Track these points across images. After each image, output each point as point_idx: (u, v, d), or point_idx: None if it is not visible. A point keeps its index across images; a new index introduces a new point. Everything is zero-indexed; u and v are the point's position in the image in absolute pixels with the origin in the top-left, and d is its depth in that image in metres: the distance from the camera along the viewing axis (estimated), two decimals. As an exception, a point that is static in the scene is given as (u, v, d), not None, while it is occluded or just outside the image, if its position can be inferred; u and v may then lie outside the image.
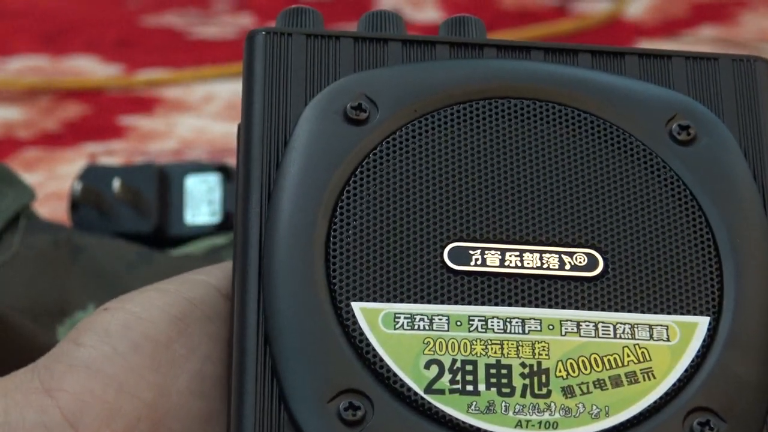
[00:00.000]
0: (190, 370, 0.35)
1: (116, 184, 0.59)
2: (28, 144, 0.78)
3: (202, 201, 0.61)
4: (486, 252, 0.33)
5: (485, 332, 0.32)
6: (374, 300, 0.33)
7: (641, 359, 0.32)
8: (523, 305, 0.33)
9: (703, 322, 0.33)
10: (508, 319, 0.33)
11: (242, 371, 0.33)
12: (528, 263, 0.33)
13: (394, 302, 0.33)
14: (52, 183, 0.72)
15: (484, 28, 0.37)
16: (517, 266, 0.33)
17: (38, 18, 1.02)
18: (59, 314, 0.52)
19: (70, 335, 0.37)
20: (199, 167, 0.63)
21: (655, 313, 0.33)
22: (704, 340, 0.33)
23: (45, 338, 0.50)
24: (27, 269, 0.53)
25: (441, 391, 0.32)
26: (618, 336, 0.33)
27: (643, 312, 0.33)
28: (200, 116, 0.83)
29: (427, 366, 0.32)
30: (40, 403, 0.35)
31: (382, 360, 0.32)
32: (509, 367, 0.32)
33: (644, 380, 0.32)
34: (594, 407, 0.32)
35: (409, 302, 0.33)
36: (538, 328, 0.33)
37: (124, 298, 0.37)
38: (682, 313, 0.33)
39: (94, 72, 0.91)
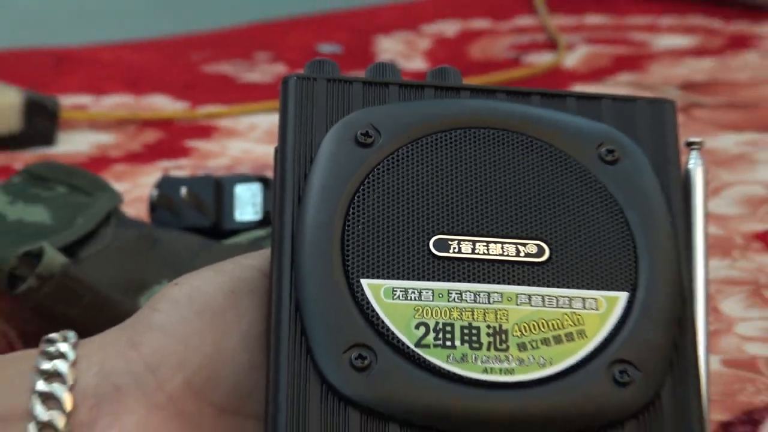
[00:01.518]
0: (239, 331, 0.35)
1: (183, 191, 0.59)
2: (118, 161, 0.78)
3: (247, 203, 0.61)
4: (461, 243, 0.33)
5: (460, 302, 0.33)
6: (378, 277, 0.33)
7: (576, 323, 0.33)
8: (489, 282, 0.33)
9: (623, 296, 0.33)
10: (477, 293, 0.33)
11: (278, 331, 0.33)
12: (492, 251, 0.33)
13: (393, 279, 0.33)
14: (135, 191, 0.72)
15: (460, 76, 0.37)
16: (484, 254, 0.33)
17: (124, 67, 1.03)
18: (140, 288, 0.52)
19: (148, 303, 0.37)
20: (246, 178, 0.63)
21: (588, 289, 0.33)
22: (624, 310, 0.33)
23: (130, 306, 0.49)
24: (117, 255, 0.53)
25: (427, 346, 0.32)
26: (559, 306, 0.33)
27: (578, 288, 0.33)
28: (246, 140, 0.83)
29: (417, 327, 0.32)
30: (127, 356, 0.35)
31: (383, 322, 0.32)
32: (478, 329, 0.32)
33: (579, 339, 0.32)
34: (541, 358, 0.32)
35: (404, 279, 0.33)
36: (500, 300, 0.33)
37: (189, 275, 0.37)
38: (607, 289, 0.33)
39: (166, 107, 0.91)
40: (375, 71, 0.37)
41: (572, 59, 0.98)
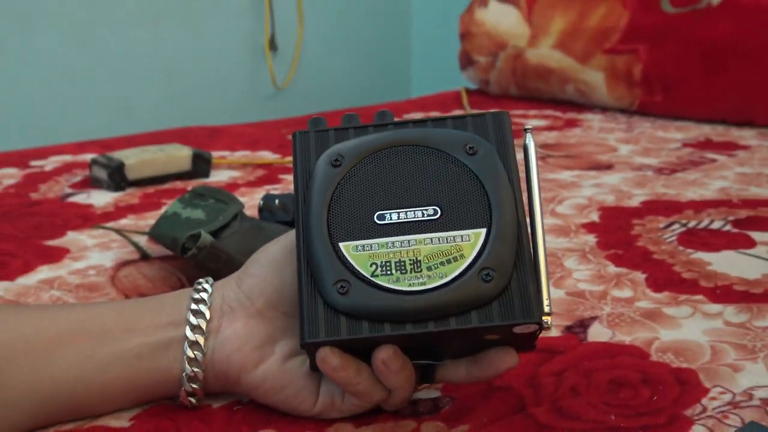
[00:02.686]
0: (290, 272, 0.36)
1: (277, 201, 0.61)
2: (242, 186, 0.80)
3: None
4: (391, 213, 0.34)
5: (393, 248, 0.33)
6: (347, 240, 0.33)
7: (459, 251, 0.33)
8: (408, 234, 0.33)
9: (483, 231, 0.33)
10: (402, 241, 0.33)
11: (300, 272, 0.33)
12: (409, 216, 0.33)
13: (356, 240, 0.33)
14: (251, 202, 0.73)
15: (392, 115, 0.36)
16: (404, 218, 0.33)
17: (247, 136, 1.04)
18: (252, 254, 0.52)
19: (248, 261, 0.37)
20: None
21: (463, 229, 0.33)
22: (484, 238, 0.33)
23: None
24: (240, 236, 0.54)
25: (377, 276, 0.32)
26: (447, 241, 0.33)
27: (458, 230, 0.33)
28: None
29: (371, 266, 0.33)
30: (235, 290, 0.36)
31: (353, 266, 0.33)
32: (404, 262, 0.33)
33: (460, 260, 0.32)
34: (440, 274, 0.32)
35: (362, 240, 0.33)
36: (415, 243, 0.33)
37: (269, 243, 0.37)
38: (474, 228, 0.33)
39: (268, 157, 0.93)
40: (346, 118, 0.36)
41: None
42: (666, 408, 0.36)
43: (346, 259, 0.33)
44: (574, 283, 0.53)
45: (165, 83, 1.69)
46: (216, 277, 0.39)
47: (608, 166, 0.86)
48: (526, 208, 0.35)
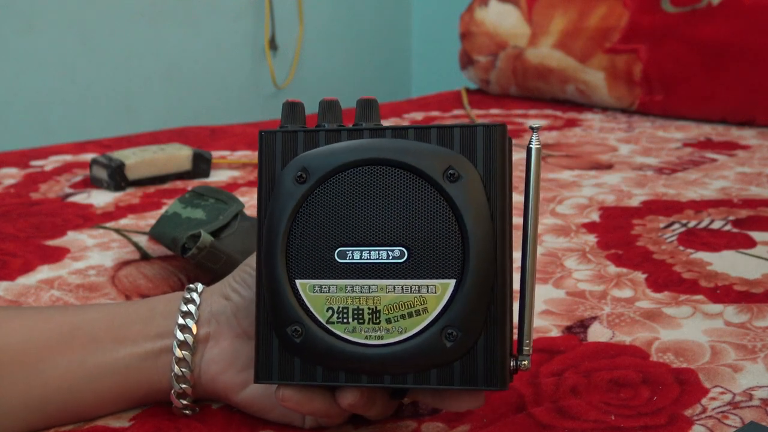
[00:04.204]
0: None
1: None
2: (243, 185, 0.79)
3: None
4: (353, 252, 0.30)
5: (352, 293, 0.30)
6: (305, 277, 0.31)
7: (422, 303, 0.30)
8: (369, 278, 0.30)
9: (452, 282, 0.30)
10: (362, 286, 0.30)
11: (258, 308, 0.31)
12: (372, 256, 0.30)
13: (313, 279, 0.31)
14: (251, 201, 0.72)
15: (377, 105, 0.32)
16: (367, 258, 0.30)
17: (247, 136, 1.03)
18: (251, 254, 0.53)
19: (234, 272, 0.36)
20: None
21: (430, 278, 0.30)
22: (453, 291, 0.29)
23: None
24: (240, 236, 0.54)
25: (333, 322, 0.30)
26: (412, 292, 0.30)
27: (424, 278, 0.30)
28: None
29: (327, 311, 0.31)
30: (223, 305, 0.35)
31: (308, 308, 0.31)
32: (363, 310, 0.30)
33: (423, 314, 0.30)
34: (400, 328, 0.30)
35: (320, 279, 0.31)
36: (376, 290, 0.30)
37: (252, 256, 0.34)
38: (443, 278, 0.30)
39: None
40: (324, 106, 0.32)
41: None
42: (666, 408, 0.36)
43: (303, 301, 0.31)
44: (574, 283, 0.53)
45: (165, 83, 1.69)
46: (216, 277, 0.39)
47: (608, 166, 0.85)
48: (520, 219, 0.33)
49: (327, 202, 0.31)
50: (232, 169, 0.87)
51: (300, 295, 0.31)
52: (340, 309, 0.30)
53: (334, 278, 0.30)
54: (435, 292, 0.30)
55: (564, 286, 0.53)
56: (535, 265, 0.31)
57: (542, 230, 0.63)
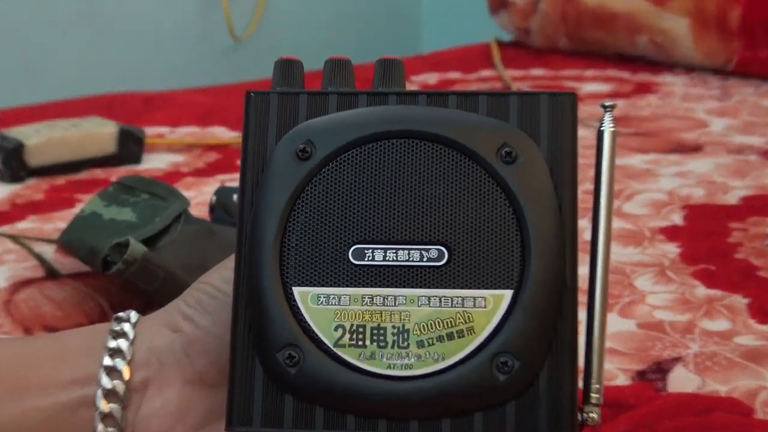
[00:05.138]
0: (225, 321, 0.33)
1: (235, 197, 0.61)
2: (188, 175, 0.81)
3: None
4: (375, 251, 0.30)
5: (371, 306, 0.30)
6: (305, 284, 0.30)
7: (467, 321, 0.30)
8: (396, 287, 0.30)
9: (508, 294, 0.30)
10: (386, 297, 0.30)
11: (234, 326, 0.31)
12: (401, 257, 0.30)
13: (318, 287, 0.30)
14: (200, 197, 0.74)
15: (402, 69, 0.33)
16: (393, 260, 0.30)
17: (195, 106, 1.06)
18: (203, 268, 0.51)
19: (183, 295, 0.35)
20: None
21: (478, 288, 0.30)
22: (508, 306, 0.29)
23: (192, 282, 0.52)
24: (184, 244, 0.54)
25: (343, 345, 0.30)
26: (453, 306, 0.30)
27: (470, 288, 0.30)
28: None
29: (336, 329, 0.30)
30: (170, 337, 0.35)
31: (309, 326, 0.30)
32: (385, 329, 0.30)
33: (468, 335, 0.30)
34: (435, 354, 0.29)
35: (327, 286, 0.30)
36: (404, 302, 0.30)
37: (209, 273, 0.35)
38: (495, 288, 0.30)
39: (224, 136, 0.94)
40: (329, 66, 0.33)
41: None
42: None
43: (302, 315, 0.30)
44: (648, 311, 0.53)
45: (85, 32, 1.69)
46: (150, 303, 0.39)
47: (695, 148, 0.86)
48: (588, 227, 0.32)
49: (339, 184, 0.31)
50: (174, 153, 0.88)
51: (298, 307, 0.30)
52: (354, 327, 0.30)
53: (347, 285, 0.30)
54: (484, 307, 0.30)
55: (635, 316, 0.53)
56: (607, 284, 0.30)
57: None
